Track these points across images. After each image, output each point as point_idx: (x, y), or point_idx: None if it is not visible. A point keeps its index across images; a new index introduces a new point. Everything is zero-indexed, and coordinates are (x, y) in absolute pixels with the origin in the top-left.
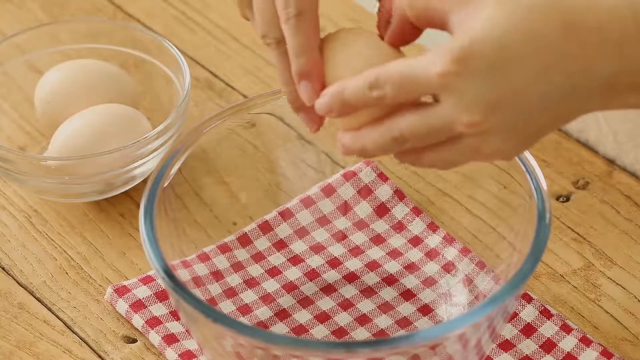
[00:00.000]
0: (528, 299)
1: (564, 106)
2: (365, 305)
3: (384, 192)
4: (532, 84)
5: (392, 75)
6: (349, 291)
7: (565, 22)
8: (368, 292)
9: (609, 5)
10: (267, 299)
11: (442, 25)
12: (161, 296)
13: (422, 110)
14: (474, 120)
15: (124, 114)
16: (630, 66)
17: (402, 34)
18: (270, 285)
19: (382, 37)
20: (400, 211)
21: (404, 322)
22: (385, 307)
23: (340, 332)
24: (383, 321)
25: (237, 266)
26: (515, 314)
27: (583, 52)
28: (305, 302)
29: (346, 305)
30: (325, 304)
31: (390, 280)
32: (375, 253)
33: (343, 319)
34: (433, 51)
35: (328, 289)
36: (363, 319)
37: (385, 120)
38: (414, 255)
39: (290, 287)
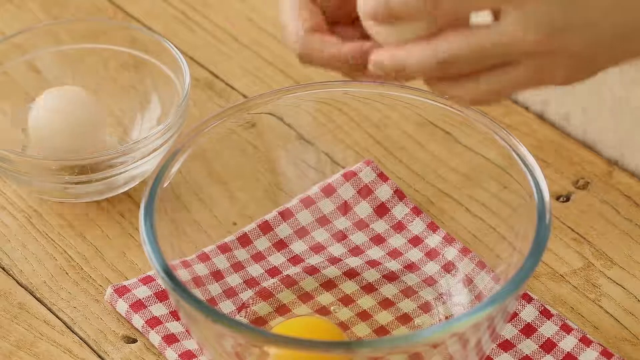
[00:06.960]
0: (528, 299)
1: (635, 42)
2: (366, 301)
3: (384, 192)
4: (605, 14)
5: None
6: (349, 287)
7: None
8: (369, 288)
9: None
10: (266, 294)
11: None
12: (161, 296)
13: (476, 30)
14: (540, 38)
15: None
16: None
17: None
18: (271, 285)
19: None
20: (400, 211)
21: (405, 319)
22: (386, 304)
23: (341, 326)
24: (383, 317)
25: (237, 266)
26: (515, 314)
27: None
28: (305, 297)
29: (347, 300)
30: (326, 299)
31: (390, 277)
32: (375, 253)
33: (344, 314)
34: None
35: (328, 285)
36: (364, 315)
37: (432, 39)
38: (414, 255)
39: (290, 283)
